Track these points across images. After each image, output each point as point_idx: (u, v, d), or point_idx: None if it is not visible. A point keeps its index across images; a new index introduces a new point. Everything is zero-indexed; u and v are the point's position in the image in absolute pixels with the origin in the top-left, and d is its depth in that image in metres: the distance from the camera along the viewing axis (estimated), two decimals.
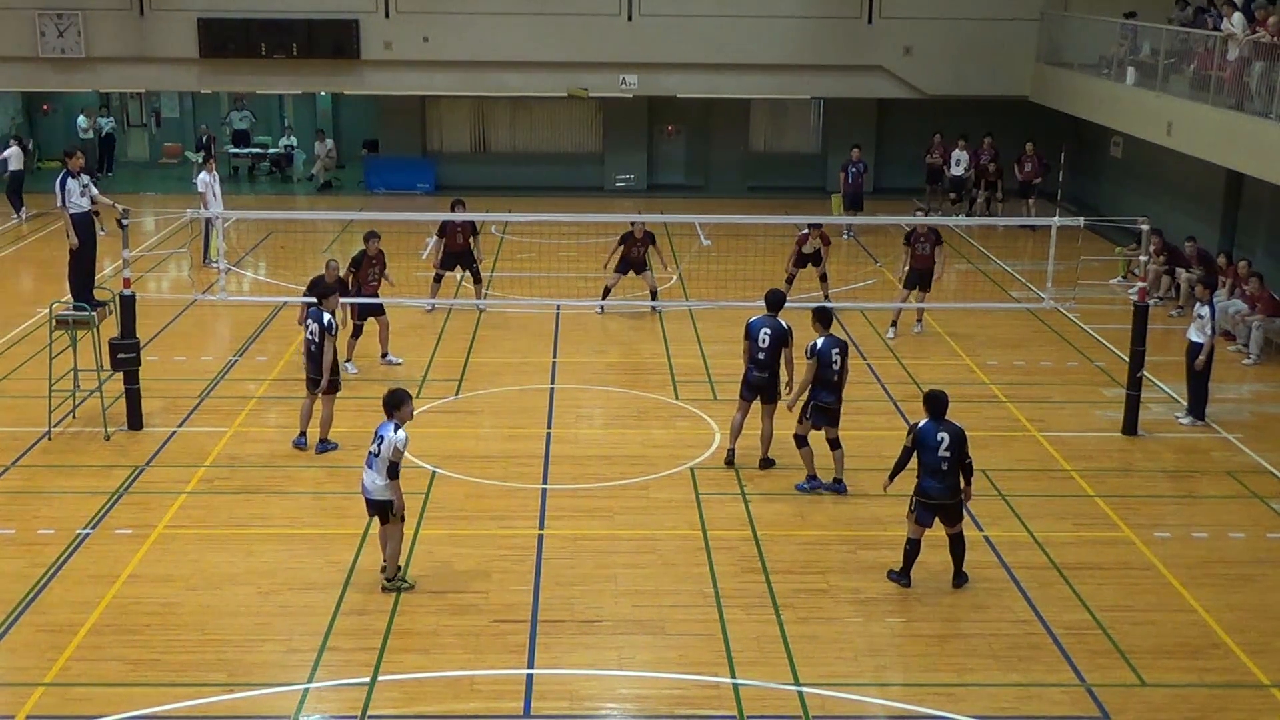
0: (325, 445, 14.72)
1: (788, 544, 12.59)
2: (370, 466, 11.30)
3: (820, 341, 13.54)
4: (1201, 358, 15.81)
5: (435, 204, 30.21)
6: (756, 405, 14.24)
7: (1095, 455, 15.10)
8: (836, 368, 13.48)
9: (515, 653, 10.56)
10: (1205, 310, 15.97)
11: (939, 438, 11.45)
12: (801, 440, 13.74)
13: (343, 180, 33.17)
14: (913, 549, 11.69)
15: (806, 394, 13.57)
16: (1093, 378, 18.03)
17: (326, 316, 14.47)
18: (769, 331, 13.93)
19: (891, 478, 11.81)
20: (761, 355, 13.93)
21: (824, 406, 13.57)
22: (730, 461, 14.40)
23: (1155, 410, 16.50)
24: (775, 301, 14.24)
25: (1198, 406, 16.12)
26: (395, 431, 11.18)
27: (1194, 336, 16.05)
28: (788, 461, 14.50)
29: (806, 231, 20.28)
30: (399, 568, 11.57)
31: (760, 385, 14.06)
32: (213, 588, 11.55)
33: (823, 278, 20.60)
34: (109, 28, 29.08)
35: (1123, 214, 22.81)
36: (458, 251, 20.51)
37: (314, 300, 14.92)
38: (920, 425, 11.60)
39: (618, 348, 19.20)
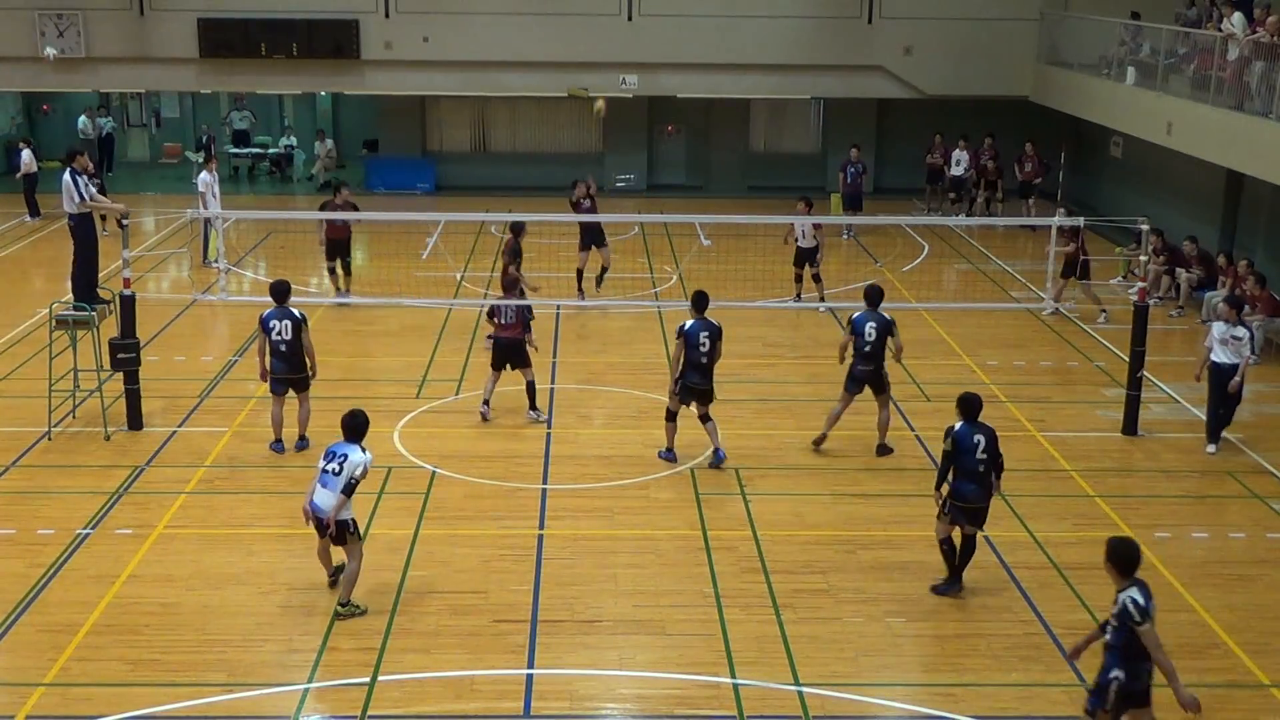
0: (304, 443, 14.68)
1: (788, 544, 12.59)
2: (326, 485, 10.92)
3: (689, 324, 14.13)
4: (1237, 379, 14.84)
5: (436, 204, 30.31)
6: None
7: (1095, 455, 15.09)
8: (705, 350, 14.02)
9: (515, 653, 10.55)
10: (1243, 331, 14.97)
11: (975, 440, 11.36)
12: (670, 415, 14.48)
13: (343, 180, 33.10)
14: (951, 550, 11.55)
15: (680, 374, 14.23)
16: (1093, 378, 18.03)
17: (297, 311, 14.48)
18: (874, 325, 14.50)
19: (939, 487, 11.48)
20: (868, 349, 14.49)
21: (691, 387, 14.17)
22: (819, 444, 14.88)
23: (1155, 410, 16.49)
24: (876, 296, 14.73)
25: (1225, 425, 15.31)
26: (364, 453, 10.97)
27: (1225, 359, 14.94)
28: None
29: (799, 209, 20.34)
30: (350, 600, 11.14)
31: (866, 377, 14.62)
32: (213, 588, 11.55)
33: (816, 278, 20.70)
34: (109, 28, 29.09)
35: (1123, 214, 22.80)
36: (340, 239, 20.81)
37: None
38: (956, 429, 11.40)
39: (618, 348, 19.20)
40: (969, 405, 11.49)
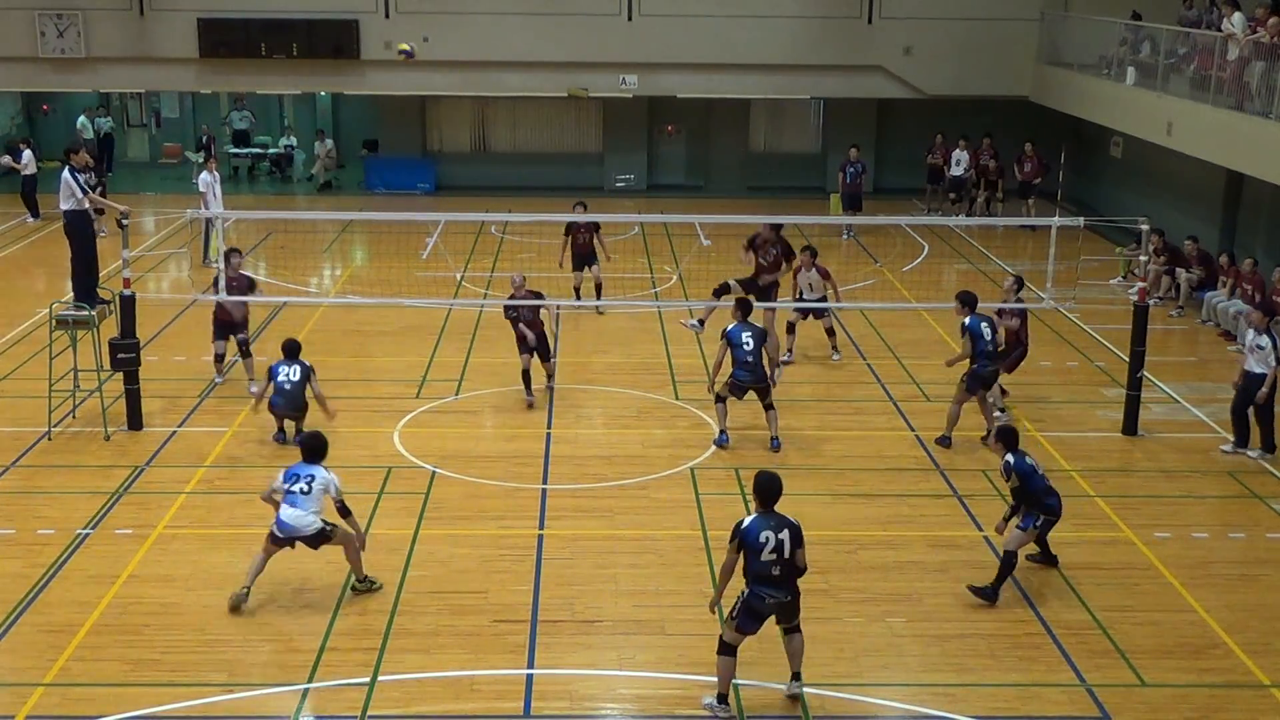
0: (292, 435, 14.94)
1: None
2: (295, 505, 11.03)
3: (732, 327, 14.88)
4: (1264, 390, 14.63)
5: (436, 204, 30.31)
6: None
7: (1095, 455, 15.09)
8: (749, 349, 14.67)
9: (515, 653, 10.56)
10: (1266, 340, 14.71)
11: (1029, 463, 11.58)
12: (719, 399, 15.04)
13: (343, 180, 33.18)
14: (1014, 564, 11.54)
15: (728, 372, 14.87)
16: (1093, 378, 18.03)
17: (306, 362, 14.79)
18: (988, 325, 15.07)
19: (1008, 519, 11.71)
20: (991, 348, 15.09)
21: (741, 383, 14.84)
22: (945, 443, 15.10)
23: (1155, 410, 16.49)
24: (974, 300, 15.21)
25: (1269, 438, 15.01)
26: (328, 471, 11.15)
27: (1254, 367, 14.79)
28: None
29: (800, 263, 17.92)
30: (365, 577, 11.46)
31: (993, 377, 15.19)
32: (213, 588, 11.54)
33: (829, 331, 18.41)
34: (109, 28, 29.11)
35: (1123, 214, 22.79)
36: (230, 321, 16.87)
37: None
38: (1014, 462, 11.49)
39: (618, 348, 19.20)
40: (1012, 436, 11.70)
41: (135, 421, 15.23)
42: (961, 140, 29.09)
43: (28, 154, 27.70)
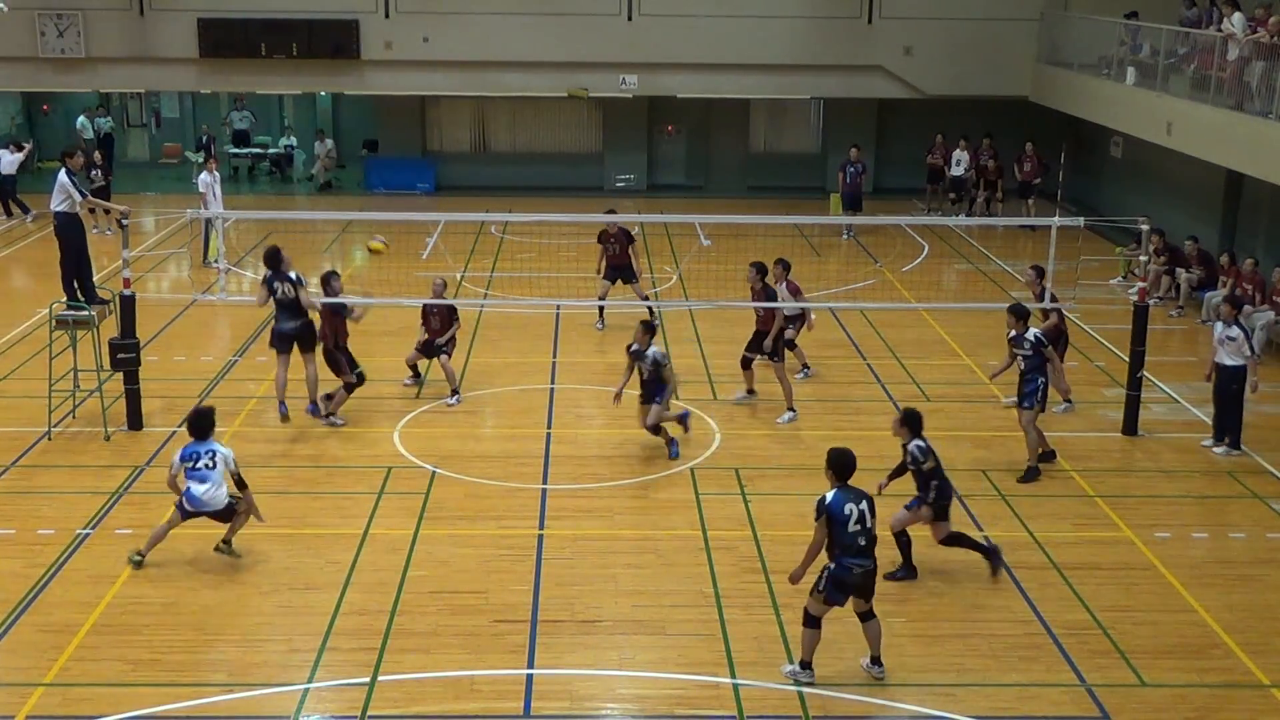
0: (315, 408, 15.02)
1: (788, 544, 12.56)
2: (205, 480, 11.47)
3: (658, 349, 15.03)
4: (1254, 379, 14.71)
5: (436, 204, 30.30)
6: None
7: (1095, 455, 15.09)
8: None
9: (515, 653, 10.55)
10: (1236, 331, 14.71)
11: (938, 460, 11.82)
12: (656, 430, 14.88)
13: (343, 180, 33.18)
14: (907, 539, 11.98)
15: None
16: (1093, 378, 18.02)
17: (294, 273, 15.11)
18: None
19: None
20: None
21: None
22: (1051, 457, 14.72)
23: (1155, 410, 16.49)
24: (1028, 313, 14.67)
25: (1235, 434, 15.09)
26: (223, 446, 11.55)
27: (1227, 360, 14.80)
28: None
29: (773, 276, 16.49)
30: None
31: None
32: (213, 588, 11.55)
33: (791, 345, 17.12)
34: (109, 28, 29.13)
35: (1123, 214, 22.80)
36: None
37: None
38: (926, 445, 11.77)
39: (618, 348, 19.14)
40: (918, 420, 11.86)
41: (135, 421, 15.22)
42: (961, 140, 29.10)
43: (7, 156, 27.54)
